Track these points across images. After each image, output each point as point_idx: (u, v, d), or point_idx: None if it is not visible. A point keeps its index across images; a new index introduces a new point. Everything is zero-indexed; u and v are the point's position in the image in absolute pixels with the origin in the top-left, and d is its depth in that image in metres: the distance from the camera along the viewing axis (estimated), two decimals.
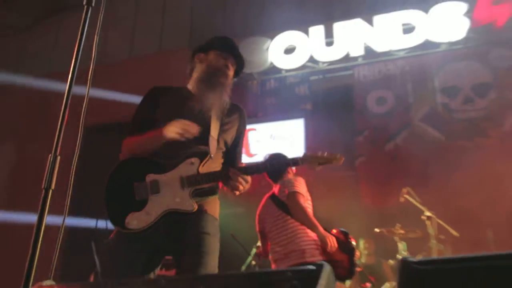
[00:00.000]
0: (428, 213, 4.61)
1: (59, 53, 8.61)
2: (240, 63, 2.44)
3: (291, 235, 3.51)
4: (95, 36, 1.87)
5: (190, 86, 2.42)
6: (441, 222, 4.62)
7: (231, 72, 2.40)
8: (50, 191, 1.59)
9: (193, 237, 2.18)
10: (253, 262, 4.73)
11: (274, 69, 6.91)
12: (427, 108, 6.21)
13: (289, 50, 6.83)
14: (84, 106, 1.82)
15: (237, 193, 2.22)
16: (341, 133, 6.20)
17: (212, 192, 2.31)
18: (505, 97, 5.90)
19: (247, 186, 2.21)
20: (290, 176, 3.77)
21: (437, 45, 6.34)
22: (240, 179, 2.16)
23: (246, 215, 4.61)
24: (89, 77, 1.85)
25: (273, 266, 3.61)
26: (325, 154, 2.29)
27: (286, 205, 3.56)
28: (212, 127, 2.27)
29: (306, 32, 6.79)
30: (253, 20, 7.38)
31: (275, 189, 3.77)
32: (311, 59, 6.74)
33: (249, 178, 2.21)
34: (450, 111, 6.12)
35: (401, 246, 4.80)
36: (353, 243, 3.58)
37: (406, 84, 6.36)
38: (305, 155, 2.27)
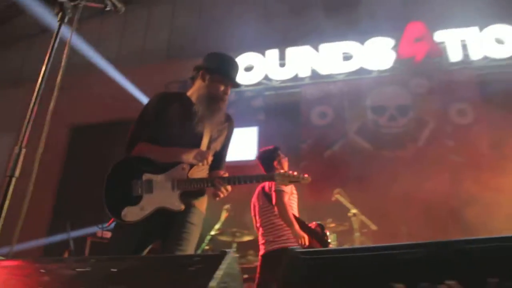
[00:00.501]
0: (354, 210, 5.12)
1: None
2: (237, 86, 2.64)
3: (277, 223, 3.81)
4: (66, 48, 2.05)
5: (192, 96, 2.58)
6: (363, 218, 5.16)
7: (228, 95, 2.58)
8: (14, 178, 1.79)
9: (179, 226, 2.36)
10: (207, 247, 5.27)
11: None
12: (360, 123, 7.05)
13: (248, 68, 7.56)
14: (50, 107, 1.95)
15: (217, 199, 2.42)
16: (288, 141, 6.74)
17: (201, 193, 2.51)
18: (420, 117, 6.88)
19: (227, 194, 2.41)
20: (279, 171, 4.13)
21: (369, 71, 7.26)
22: (223, 189, 2.38)
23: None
24: (57, 83, 1.99)
25: (261, 249, 3.87)
26: (295, 173, 2.57)
27: (271, 196, 3.84)
28: (203, 139, 2.49)
29: (263, 54, 7.57)
30: (219, 40, 8.17)
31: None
32: (266, 77, 7.50)
33: (229, 187, 2.40)
34: (378, 126, 6.99)
35: (331, 237, 5.19)
36: (328, 234, 3.90)
37: (343, 102, 7.17)
38: (280, 172, 2.55)
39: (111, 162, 2.44)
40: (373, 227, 5.23)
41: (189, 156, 2.38)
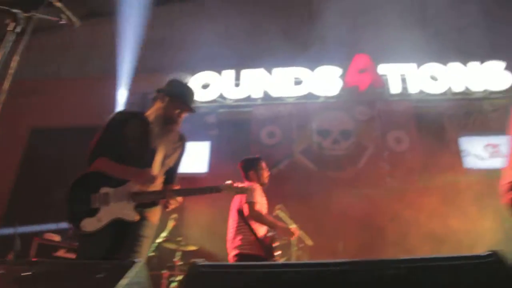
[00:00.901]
0: (292, 226, 5.11)
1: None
2: (192, 111, 2.89)
3: (238, 232, 3.99)
4: (14, 57, 2.09)
5: (150, 116, 2.80)
6: (301, 233, 5.22)
7: (182, 118, 2.85)
8: None
9: (132, 239, 2.55)
10: (153, 254, 5.39)
11: None
12: (306, 144, 7.43)
13: (205, 86, 7.88)
14: None
15: (167, 209, 2.69)
16: (237, 156, 7.02)
17: (154, 204, 2.70)
18: (361, 142, 7.37)
19: (178, 205, 2.68)
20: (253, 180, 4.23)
21: (317, 97, 7.72)
22: (172, 201, 2.65)
23: None
24: (4, 88, 2.03)
25: (233, 251, 3.99)
26: (240, 185, 2.82)
27: (242, 209, 3.98)
28: (157, 156, 2.73)
29: (220, 74, 7.90)
30: (179, 57, 8.45)
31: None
32: (221, 96, 7.80)
33: (180, 199, 2.67)
34: (322, 149, 7.41)
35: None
36: (274, 246, 4.00)
37: (291, 124, 7.57)
38: (226, 184, 2.76)
39: (68, 166, 2.69)
40: (309, 242, 5.43)
41: (139, 180, 2.62)
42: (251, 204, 3.90)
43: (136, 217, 2.55)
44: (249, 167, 4.36)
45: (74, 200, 2.55)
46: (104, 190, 2.56)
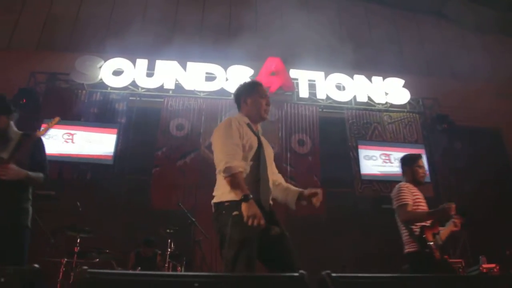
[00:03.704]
0: (192, 219, 5.55)
1: None
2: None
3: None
4: None
5: None
6: (199, 227, 5.62)
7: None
8: None
9: None
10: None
11: (102, 85, 7.75)
12: None
13: (118, 72, 7.82)
14: None
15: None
16: (144, 146, 7.29)
17: None
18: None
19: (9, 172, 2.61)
20: None
21: (229, 94, 7.85)
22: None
23: None
24: None
25: None
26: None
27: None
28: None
29: (134, 62, 7.86)
30: (93, 40, 8.29)
31: None
32: (133, 83, 7.77)
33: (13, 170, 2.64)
34: None
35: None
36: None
37: (200, 118, 7.76)
38: None
39: None
40: (208, 236, 5.62)
41: None
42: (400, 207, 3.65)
43: None
44: (405, 163, 4.05)
45: None
46: None
